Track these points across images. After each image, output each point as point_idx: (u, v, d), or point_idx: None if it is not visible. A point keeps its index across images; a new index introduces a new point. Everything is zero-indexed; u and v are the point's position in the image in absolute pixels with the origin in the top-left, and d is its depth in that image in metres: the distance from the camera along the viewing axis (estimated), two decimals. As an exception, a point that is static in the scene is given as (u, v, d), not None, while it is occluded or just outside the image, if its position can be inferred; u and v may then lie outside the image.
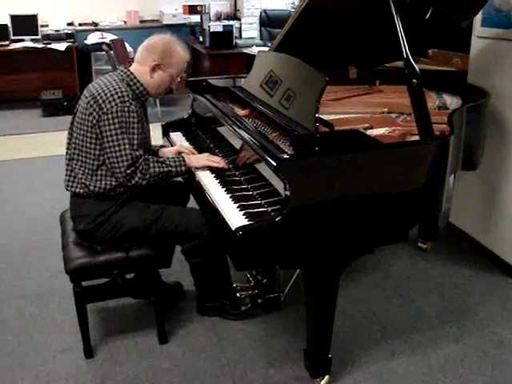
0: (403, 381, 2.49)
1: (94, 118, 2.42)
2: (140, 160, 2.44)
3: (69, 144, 2.58)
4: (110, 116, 2.39)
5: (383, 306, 3.02)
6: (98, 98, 2.42)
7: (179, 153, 2.82)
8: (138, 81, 2.55)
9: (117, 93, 2.41)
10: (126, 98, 2.42)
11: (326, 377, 2.42)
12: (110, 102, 2.39)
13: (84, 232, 2.58)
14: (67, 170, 2.58)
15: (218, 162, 2.64)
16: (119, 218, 2.52)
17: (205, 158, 2.66)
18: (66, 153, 2.59)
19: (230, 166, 2.64)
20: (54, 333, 2.80)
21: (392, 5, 2.41)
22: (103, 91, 2.43)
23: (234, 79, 3.44)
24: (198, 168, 2.64)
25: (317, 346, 2.37)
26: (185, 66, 2.64)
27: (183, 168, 2.59)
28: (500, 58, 3.18)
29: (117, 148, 2.41)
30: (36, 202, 4.39)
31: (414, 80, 2.35)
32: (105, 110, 2.39)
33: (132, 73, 2.55)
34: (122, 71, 2.57)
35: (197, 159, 2.67)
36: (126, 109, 2.40)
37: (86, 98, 2.48)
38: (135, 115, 2.43)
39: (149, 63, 2.54)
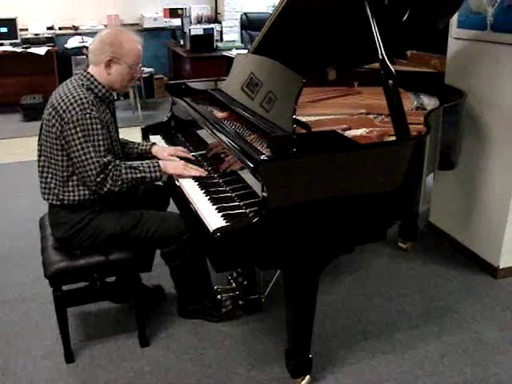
0: (384, 379, 2.51)
1: (58, 129, 2.37)
2: (109, 166, 2.39)
3: (39, 156, 2.52)
4: (71, 125, 2.33)
5: (364, 306, 3.04)
6: (59, 108, 2.36)
7: (172, 155, 2.78)
8: (100, 83, 2.48)
9: (76, 101, 2.35)
10: (86, 105, 2.35)
11: (307, 377, 2.43)
12: (70, 112, 2.33)
13: (62, 239, 2.56)
14: (41, 181, 2.53)
15: (194, 171, 2.57)
16: (97, 224, 2.50)
17: (181, 167, 2.58)
18: (38, 165, 2.53)
19: (209, 168, 2.64)
20: (35, 338, 2.79)
21: (367, 7, 2.44)
22: (62, 100, 2.37)
23: (215, 82, 3.44)
24: (173, 175, 2.58)
25: (297, 347, 2.38)
26: (140, 50, 2.53)
27: (158, 174, 2.53)
28: (476, 59, 3.22)
29: (83, 157, 2.35)
30: (16, 206, 4.36)
31: (390, 81, 2.37)
32: (66, 119, 2.34)
33: (92, 75, 2.48)
34: (81, 75, 2.50)
35: (173, 166, 2.59)
36: (87, 116, 2.34)
37: (48, 109, 2.43)
38: (97, 121, 2.37)
39: (101, 61, 2.46)
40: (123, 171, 2.43)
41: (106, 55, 2.45)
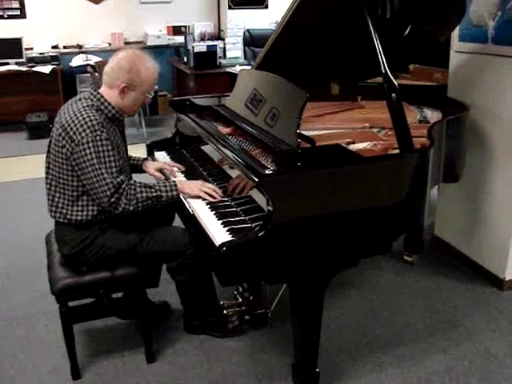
0: (391, 393, 2.50)
1: (68, 150, 2.36)
2: (123, 186, 2.38)
3: (47, 174, 2.52)
4: (81, 147, 2.32)
5: (370, 320, 3.03)
6: (69, 129, 2.35)
7: (161, 170, 2.85)
8: (110, 104, 2.47)
9: (86, 122, 2.33)
10: (97, 127, 2.34)
11: (314, 391, 2.42)
12: (80, 133, 2.32)
13: (68, 256, 2.55)
14: (48, 199, 2.52)
15: (211, 191, 2.52)
16: (103, 241, 2.50)
17: (198, 187, 2.53)
18: (46, 182, 2.53)
19: (214, 183, 2.66)
20: (41, 354, 2.78)
21: (369, 21, 2.46)
22: (73, 121, 2.35)
23: (219, 98, 3.46)
24: (190, 196, 2.54)
25: (304, 361, 2.38)
26: (156, 78, 2.52)
27: (174, 193, 2.49)
28: (478, 71, 3.24)
29: (95, 179, 2.34)
30: (22, 223, 4.37)
31: (393, 94, 2.39)
32: (76, 141, 2.33)
33: (102, 96, 2.47)
34: (91, 94, 2.48)
35: (190, 186, 2.56)
36: (97, 137, 2.33)
37: (57, 129, 2.42)
38: (108, 142, 2.36)
39: (117, 85, 2.44)
40: (138, 190, 2.41)
41: (122, 81, 2.43)
